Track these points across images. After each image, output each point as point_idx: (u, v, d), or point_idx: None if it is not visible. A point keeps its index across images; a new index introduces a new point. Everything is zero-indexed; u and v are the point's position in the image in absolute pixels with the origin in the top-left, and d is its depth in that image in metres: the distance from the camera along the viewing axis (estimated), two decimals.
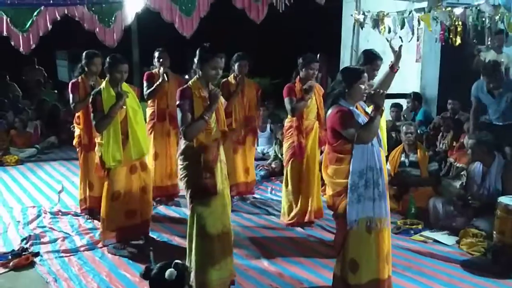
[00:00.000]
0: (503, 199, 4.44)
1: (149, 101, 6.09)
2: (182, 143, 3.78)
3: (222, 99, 3.97)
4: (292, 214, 5.39)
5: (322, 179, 5.92)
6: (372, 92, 3.50)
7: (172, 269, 2.81)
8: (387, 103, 7.43)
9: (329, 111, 3.58)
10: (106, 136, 4.56)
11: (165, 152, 6.09)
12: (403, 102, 8.02)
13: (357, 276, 3.56)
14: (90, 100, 4.61)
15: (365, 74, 3.59)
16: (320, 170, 4.40)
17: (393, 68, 4.40)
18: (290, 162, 5.36)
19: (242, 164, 6.12)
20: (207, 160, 3.71)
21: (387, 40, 4.66)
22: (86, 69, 5.38)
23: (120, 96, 4.50)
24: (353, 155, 3.47)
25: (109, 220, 4.74)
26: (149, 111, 6.11)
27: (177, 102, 3.68)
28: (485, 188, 5.14)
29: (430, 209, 5.36)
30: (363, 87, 3.55)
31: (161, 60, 5.97)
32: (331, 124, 3.56)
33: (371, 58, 4.64)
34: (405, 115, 7.89)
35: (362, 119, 3.53)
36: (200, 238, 3.74)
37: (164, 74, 5.89)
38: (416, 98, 7.83)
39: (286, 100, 5.24)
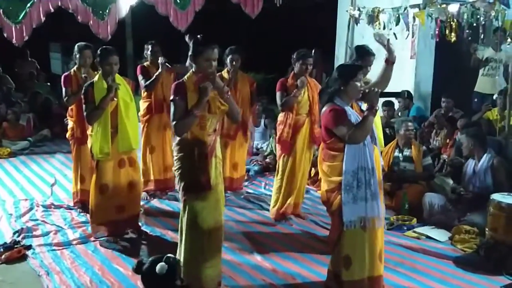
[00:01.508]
0: (496, 196, 4.46)
1: (145, 94, 6.06)
2: None
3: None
4: (281, 208, 5.40)
5: (316, 174, 5.94)
6: (367, 90, 3.50)
7: (162, 263, 2.81)
8: (380, 101, 7.43)
9: (324, 109, 3.59)
10: (96, 128, 4.58)
11: (162, 145, 6.07)
12: (395, 100, 8.02)
13: (350, 273, 3.58)
14: (82, 92, 4.62)
15: (361, 72, 3.58)
16: (316, 165, 4.41)
17: (389, 61, 4.33)
18: (281, 156, 5.36)
19: (229, 159, 6.10)
20: (201, 154, 3.69)
21: (375, 36, 4.52)
22: (77, 62, 5.37)
23: (110, 88, 4.49)
24: (345, 155, 3.48)
25: (98, 213, 4.75)
26: (144, 104, 6.07)
27: (171, 97, 3.66)
28: (476, 181, 5.21)
29: (425, 204, 5.39)
30: (358, 84, 3.55)
31: (152, 52, 5.95)
32: (324, 122, 3.58)
33: (363, 53, 4.65)
34: (399, 114, 7.88)
35: (356, 118, 3.54)
36: (190, 232, 3.72)
37: (166, 64, 5.85)
38: (408, 96, 7.83)
39: (277, 94, 5.26)
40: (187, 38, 5.69)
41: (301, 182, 5.40)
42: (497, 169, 5.13)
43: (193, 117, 3.58)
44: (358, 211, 3.50)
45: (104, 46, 4.73)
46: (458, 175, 5.66)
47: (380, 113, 7.39)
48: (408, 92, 7.88)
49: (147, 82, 5.89)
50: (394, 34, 7.05)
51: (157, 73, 5.84)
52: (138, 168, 5.01)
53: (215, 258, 3.83)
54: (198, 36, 3.73)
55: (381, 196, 3.63)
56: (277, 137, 5.47)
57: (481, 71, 7.46)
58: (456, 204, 5.29)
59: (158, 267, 2.79)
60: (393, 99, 7.74)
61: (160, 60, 5.83)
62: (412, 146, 5.91)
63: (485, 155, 5.21)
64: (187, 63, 5.31)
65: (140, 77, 5.97)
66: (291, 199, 5.38)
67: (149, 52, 6.03)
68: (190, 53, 3.72)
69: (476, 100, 7.58)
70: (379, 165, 3.64)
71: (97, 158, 4.63)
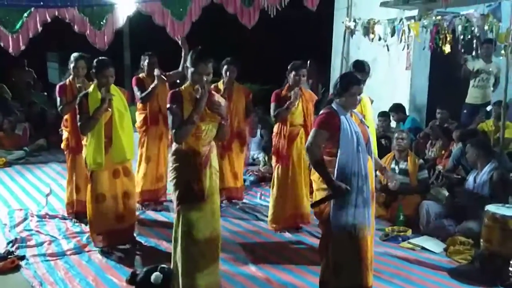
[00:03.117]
0: (490, 208, 4.45)
1: (140, 106, 6.05)
2: (174, 145, 3.77)
3: (221, 100, 3.90)
4: (277, 219, 5.39)
5: (311, 185, 5.94)
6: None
7: (158, 273, 2.81)
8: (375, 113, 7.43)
9: (321, 111, 3.64)
10: (90, 138, 4.58)
11: (157, 156, 6.07)
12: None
13: (339, 281, 3.57)
14: (77, 102, 4.62)
15: (357, 86, 3.58)
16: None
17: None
18: (277, 167, 5.37)
19: (230, 169, 6.12)
20: (195, 164, 3.69)
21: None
22: (71, 72, 5.38)
23: (104, 100, 4.49)
24: (338, 160, 3.49)
25: (96, 223, 4.73)
26: (140, 116, 6.06)
27: (168, 105, 3.68)
28: (475, 190, 5.26)
29: (421, 212, 5.40)
30: (353, 98, 3.57)
31: (149, 64, 5.96)
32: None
33: (360, 69, 4.69)
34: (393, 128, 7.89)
35: (354, 127, 3.53)
36: (185, 243, 3.70)
37: (161, 76, 5.86)
38: (400, 109, 7.82)
39: (271, 106, 5.30)
40: (180, 42, 5.73)
41: (301, 192, 5.37)
42: (495, 182, 5.14)
43: (192, 122, 3.60)
44: (347, 217, 3.49)
45: (100, 58, 4.72)
46: (453, 187, 5.69)
47: (375, 120, 7.43)
48: (400, 105, 7.86)
49: (143, 94, 5.88)
50: (387, 46, 7.11)
51: (152, 85, 5.84)
52: (133, 178, 5.01)
53: (210, 268, 3.80)
54: (198, 47, 3.75)
55: (372, 207, 3.63)
56: (274, 148, 5.46)
57: (471, 83, 7.50)
58: (452, 212, 5.30)
59: (153, 277, 2.79)
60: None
61: (156, 72, 5.84)
62: (408, 159, 5.91)
63: (487, 165, 5.23)
64: (180, 68, 5.37)
65: (135, 89, 5.96)
66: (296, 210, 5.36)
67: (145, 63, 6.03)
68: (186, 65, 3.76)
69: (465, 111, 7.60)
70: (372, 175, 3.65)
71: (91, 168, 4.63)
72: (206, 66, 3.66)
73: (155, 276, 2.80)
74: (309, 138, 3.58)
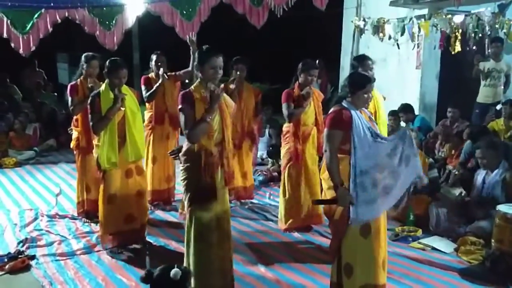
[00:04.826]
0: (502, 208, 4.42)
1: (148, 105, 6.09)
2: (185, 144, 3.76)
3: (231, 102, 3.91)
4: (290, 219, 5.37)
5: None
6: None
7: (177, 269, 2.81)
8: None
9: (331, 109, 3.61)
10: (103, 138, 4.59)
11: (164, 156, 6.08)
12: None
13: (351, 281, 3.54)
14: (89, 101, 4.63)
15: (370, 84, 3.57)
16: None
17: None
18: (287, 167, 5.34)
19: (239, 169, 6.11)
20: (207, 163, 3.68)
21: None
22: (83, 72, 5.40)
23: (116, 99, 4.51)
24: (355, 157, 3.45)
25: (107, 224, 4.74)
26: (147, 114, 6.10)
27: (179, 106, 3.67)
28: (484, 192, 5.21)
29: (431, 213, 5.36)
30: (366, 96, 3.55)
31: (158, 63, 5.98)
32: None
33: (361, 59, 4.70)
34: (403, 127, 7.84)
35: (365, 124, 3.51)
36: (197, 243, 3.71)
37: (164, 75, 5.88)
38: (408, 110, 7.77)
39: (284, 106, 5.23)
40: (188, 41, 5.77)
41: (313, 192, 5.32)
42: (509, 184, 5.08)
43: (205, 123, 3.59)
44: (364, 214, 3.44)
45: (113, 58, 4.74)
46: (466, 185, 5.64)
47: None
48: (409, 105, 7.83)
49: (148, 92, 5.91)
50: (398, 44, 7.07)
51: (157, 84, 5.87)
52: (146, 176, 5.02)
53: (223, 269, 3.80)
54: (204, 46, 3.75)
55: None
56: (283, 148, 5.43)
57: (482, 82, 7.44)
58: (462, 212, 5.27)
59: (172, 272, 2.79)
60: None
61: (160, 71, 5.86)
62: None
63: (499, 166, 5.18)
64: (190, 67, 5.40)
65: (143, 88, 6.00)
66: (307, 210, 5.33)
67: (153, 63, 6.06)
68: (196, 62, 3.75)
69: (477, 111, 7.53)
70: None
71: (105, 168, 4.63)
72: (218, 58, 3.65)
73: (174, 271, 2.79)
74: (325, 141, 3.52)
